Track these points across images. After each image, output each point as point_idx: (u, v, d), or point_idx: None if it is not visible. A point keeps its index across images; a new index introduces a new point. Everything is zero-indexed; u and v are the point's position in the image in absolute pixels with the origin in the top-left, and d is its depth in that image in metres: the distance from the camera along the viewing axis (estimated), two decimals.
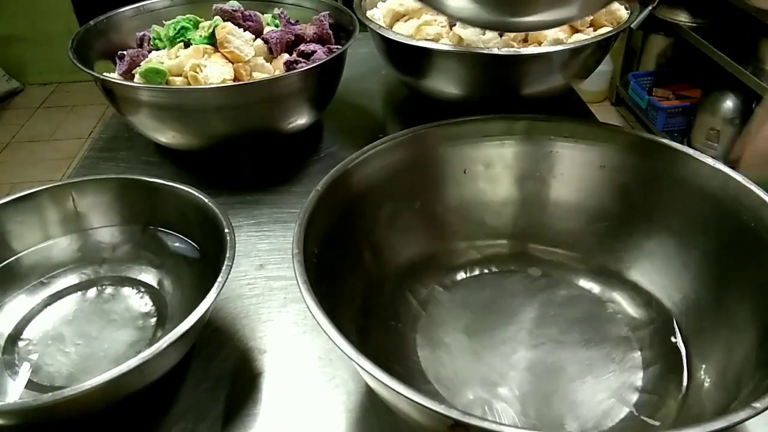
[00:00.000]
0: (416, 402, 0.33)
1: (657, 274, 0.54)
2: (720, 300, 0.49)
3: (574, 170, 0.58)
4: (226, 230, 0.50)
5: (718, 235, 0.50)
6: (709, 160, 0.51)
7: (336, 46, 0.79)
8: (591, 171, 0.58)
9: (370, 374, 0.35)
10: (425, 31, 0.77)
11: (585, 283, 0.57)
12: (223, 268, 0.47)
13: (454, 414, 0.32)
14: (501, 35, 0.76)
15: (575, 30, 0.79)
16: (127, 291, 0.57)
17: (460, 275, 0.58)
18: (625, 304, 0.54)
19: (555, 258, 0.59)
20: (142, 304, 0.56)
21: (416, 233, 0.58)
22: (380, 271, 0.55)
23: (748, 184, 0.48)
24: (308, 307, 0.39)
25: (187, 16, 0.79)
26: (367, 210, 0.54)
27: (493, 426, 0.32)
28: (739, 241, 0.48)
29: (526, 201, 0.60)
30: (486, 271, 0.59)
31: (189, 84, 0.71)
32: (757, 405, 0.33)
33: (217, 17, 0.78)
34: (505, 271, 0.59)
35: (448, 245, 0.59)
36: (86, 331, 0.54)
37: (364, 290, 0.53)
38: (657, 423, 0.45)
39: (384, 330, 0.52)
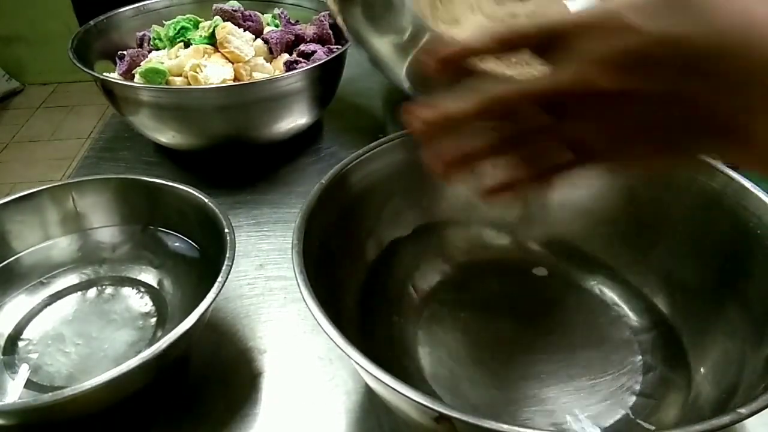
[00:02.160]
0: (402, 393, 0.33)
1: (662, 278, 0.54)
2: (723, 307, 0.48)
3: (581, 172, 0.58)
4: (226, 230, 0.50)
5: (724, 242, 0.50)
6: (721, 166, 0.51)
7: (336, 46, 0.79)
8: (598, 173, 0.57)
9: (351, 357, 0.35)
10: None
11: (589, 286, 0.56)
12: (223, 268, 0.47)
13: (438, 407, 0.33)
14: None
15: None
16: (127, 291, 0.57)
17: (464, 274, 0.58)
18: (628, 307, 0.54)
19: (560, 259, 0.59)
20: (142, 304, 0.56)
21: (421, 230, 0.58)
22: (383, 268, 0.55)
23: (757, 192, 0.48)
24: (302, 295, 0.39)
25: (187, 16, 0.79)
26: (372, 205, 0.54)
27: (475, 420, 0.32)
28: (745, 249, 0.48)
29: (533, 201, 0.60)
30: (490, 270, 0.59)
31: (189, 84, 0.71)
32: (743, 411, 0.33)
33: (217, 17, 0.78)
34: (509, 271, 0.58)
35: (453, 243, 0.59)
36: (86, 331, 0.54)
37: (366, 286, 0.53)
38: (652, 427, 0.44)
39: (384, 327, 0.52)
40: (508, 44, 0.28)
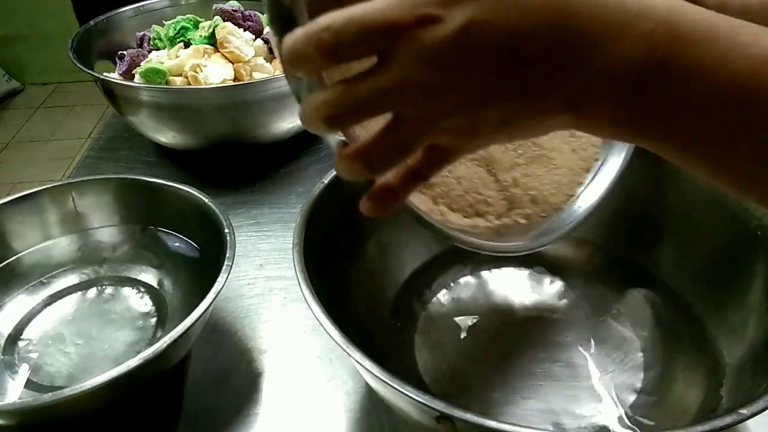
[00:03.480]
0: (403, 392, 0.33)
1: (662, 278, 0.54)
2: (723, 307, 0.49)
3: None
4: (226, 230, 0.50)
5: (725, 243, 0.50)
6: None
7: None
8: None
9: (353, 357, 0.35)
10: None
11: (590, 285, 0.56)
12: (223, 268, 0.47)
13: (439, 406, 0.33)
14: None
15: None
16: (127, 291, 0.57)
17: (464, 274, 0.58)
18: (629, 306, 0.54)
19: (560, 259, 0.59)
20: (142, 304, 0.56)
21: (422, 231, 0.58)
22: (384, 268, 0.55)
23: None
24: (303, 295, 0.39)
25: (187, 16, 0.79)
26: None
27: (476, 419, 0.32)
28: (745, 249, 0.48)
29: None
30: (490, 270, 0.58)
31: (189, 84, 0.71)
32: (744, 411, 0.33)
33: (217, 17, 0.78)
34: (509, 271, 0.58)
35: (452, 243, 0.59)
36: (86, 331, 0.53)
37: (366, 286, 0.53)
38: (652, 422, 0.44)
39: (384, 328, 0.52)
40: (334, 54, 0.25)
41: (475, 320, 0.54)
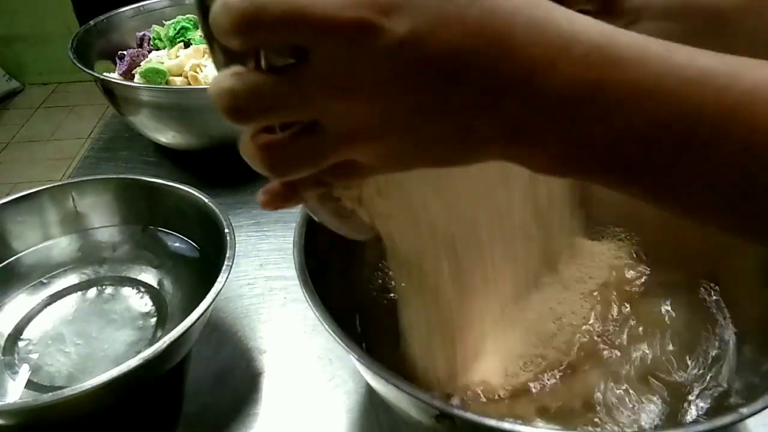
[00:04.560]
0: (404, 391, 0.33)
1: (664, 277, 0.54)
2: (725, 305, 0.49)
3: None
4: (226, 230, 0.50)
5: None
6: None
7: None
8: None
9: (353, 355, 0.35)
10: None
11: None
12: (223, 268, 0.47)
13: (438, 404, 0.33)
14: None
15: None
16: (127, 291, 0.57)
17: None
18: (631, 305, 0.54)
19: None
20: (142, 304, 0.56)
21: None
22: (384, 267, 0.55)
23: None
24: (303, 294, 0.39)
25: (187, 16, 0.79)
26: None
27: (476, 417, 0.32)
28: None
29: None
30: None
31: (189, 84, 0.71)
32: (743, 411, 0.33)
33: None
34: None
35: None
36: (86, 331, 0.53)
37: (366, 285, 0.52)
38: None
39: (385, 326, 0.52)
40: (246, 30, 0.22)
41: None
